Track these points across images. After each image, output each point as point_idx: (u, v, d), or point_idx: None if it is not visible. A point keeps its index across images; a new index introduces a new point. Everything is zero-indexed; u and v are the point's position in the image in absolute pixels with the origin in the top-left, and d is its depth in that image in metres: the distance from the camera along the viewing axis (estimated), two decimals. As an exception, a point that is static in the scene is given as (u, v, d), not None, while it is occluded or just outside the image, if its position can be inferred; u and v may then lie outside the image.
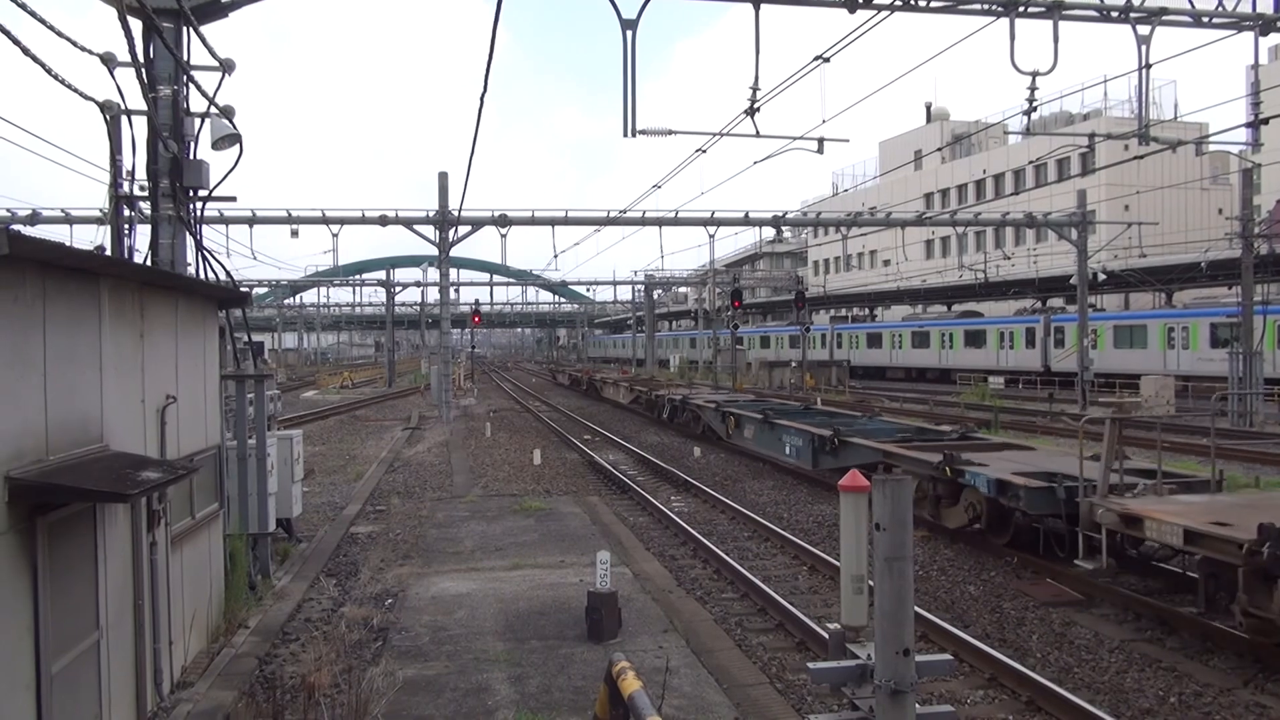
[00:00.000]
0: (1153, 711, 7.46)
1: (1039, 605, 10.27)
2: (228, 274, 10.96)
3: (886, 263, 65.34)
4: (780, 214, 37.08)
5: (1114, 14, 14.90)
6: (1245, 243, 29.48)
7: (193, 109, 10.18)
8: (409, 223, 33.34)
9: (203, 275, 10.11)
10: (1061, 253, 45.26)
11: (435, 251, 34.44)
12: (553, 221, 34.50)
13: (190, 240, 10.23)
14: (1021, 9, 14.38)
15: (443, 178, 33.08)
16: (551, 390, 61.64)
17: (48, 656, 5.14)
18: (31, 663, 5.03)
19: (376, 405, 44.85)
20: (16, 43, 6.61)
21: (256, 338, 14.48)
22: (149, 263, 9.88)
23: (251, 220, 32.64)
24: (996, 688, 7.96)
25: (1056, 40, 14.36)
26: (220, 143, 10.23)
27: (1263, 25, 15.10)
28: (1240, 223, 29.88)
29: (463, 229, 33.63)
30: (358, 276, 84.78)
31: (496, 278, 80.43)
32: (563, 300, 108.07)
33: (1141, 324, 41.28)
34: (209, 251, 10.35)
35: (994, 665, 8.23)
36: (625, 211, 32.68)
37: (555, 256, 46.98)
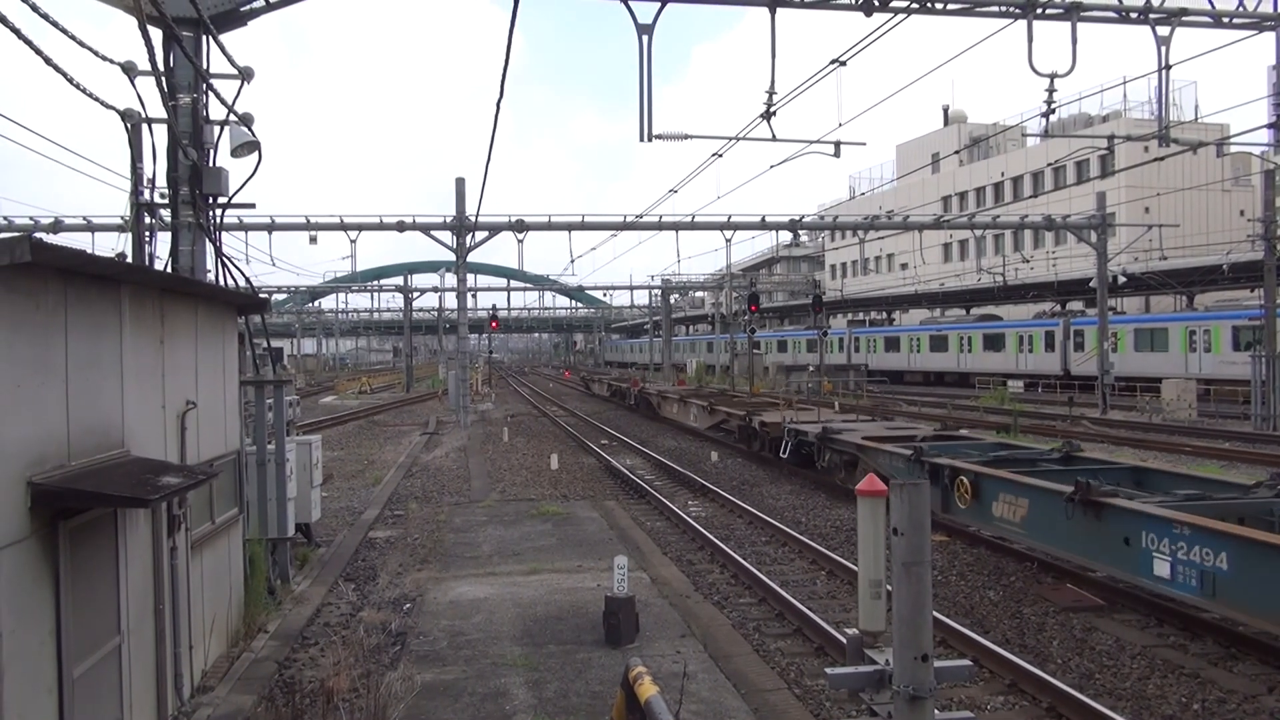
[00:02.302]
0: (1175, 718, 7.39)
1: (1060, 610, 10.19)
2: (247, 280, 11.03)
3: (904, 266, 65.15)
4: (797, 218, 37.00)
5: (1133, 15, 14.81)
6: (1268, 245, 29.19)
7: (212, 117, 10.28)
8: (426, 228, 33.49)
9: (222, 281, 10.19)
10: (1081, 255, 44.98)
11: (452, 257, 34.57)
12: (569, 226, 34.57)
13: (210, 247, 10.32)
14: (1039, 10, 14.31)
15: (460, 184, 33.21)
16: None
17: (69, 660, 5.18)
18: (54, 666, 5.07)
19: (394, 410, 45.03)
20: (39, 53, 6.69)
21: (275, 343, 14.58)
22: (169, 269, 9.98)
23: (270, 227, 32.88)
24: (1016, 694, 7.90)
25: (1075, 41, 14.29)
26: (239, 150, 10.32)
27: (1284, 25, 14.97)
28: (1262, 224, 29.61)
29: (480, 234, 33.75)
30: (375, 282, 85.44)
31: (513, 283, 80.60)
32: (579, 305, 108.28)
33: (1163, 327, 40.94)
34: (228, 258, 10.46)
35: (1014, 671, 8.16)
36: (642, 216, 32.71)
37: (572, 261, 47.29)
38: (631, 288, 78.77)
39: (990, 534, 12.79)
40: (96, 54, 7.88)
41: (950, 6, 14.12)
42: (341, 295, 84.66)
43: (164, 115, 9.63)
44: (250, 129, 10.34)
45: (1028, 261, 51.32)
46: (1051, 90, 14.14)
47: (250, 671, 8.14)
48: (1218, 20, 14.95)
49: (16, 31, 6.00)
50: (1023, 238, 59.85)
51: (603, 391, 53.73)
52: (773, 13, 13.43)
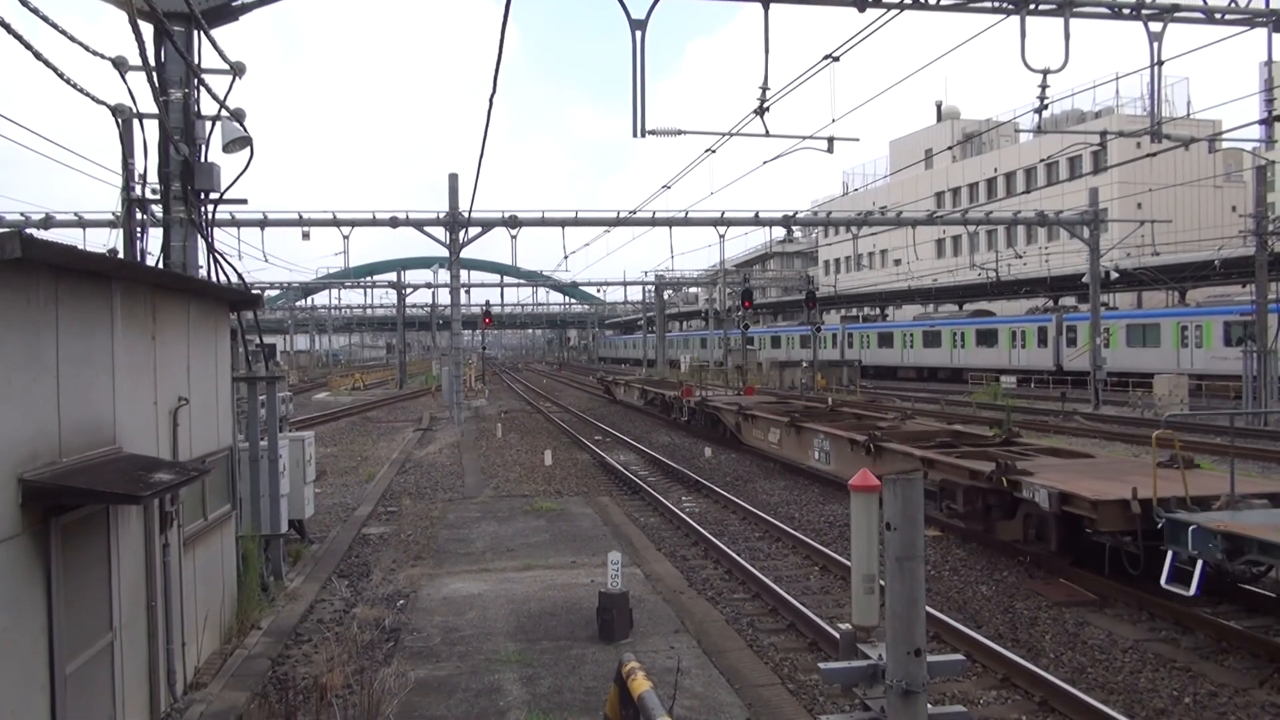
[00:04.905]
0: (1167, 712, 7.41)
1: (1052, 605, 10.22)
2: (239, 276, 10.99)
3: (897, 262, 65.09)
4: (791, 214, 37.06)
5: (1126, 11, 14.83)
6: (1259, 240, 29.29)
7: (204, 112, 10.24)
8: (419, 224, 33.42)
9: (214, 277, 10.15)
10: (1073, 251, 45.07)
11: (446, 253, 34.52)
12: (563, 222, 34.54)
13: (202, 243, 10.28)
14: (1032, 6, 14.32)
15: (453, 179, 33.13)
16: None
17: (62, 657, 5.16)
18: (46, 663, 5.06)
19: (388, 407, 44.96)
20: (29, 48, 6.65)
21: (268, 339, 14.54)
22: (161, 265, 9.94)
23: (263, 223, 32.78)
24: (1009, 688, 7.92)
25: (1068, 38, 14.30)
26: (231, 145, 10.28)
27: (1276, 21, 15.00)
28: (1254, 220, 29.70)
29: (473, 230, 33.69)
30: (369, 278, 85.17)
31: (507, 279, 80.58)
32: (573, 301, 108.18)
33: (1155, 323, 41.05)
34: (220, 254, 10.41)
35: (1007, 665, 8.19)
36: (635, 212, 32.69)
37: (565, 257, 47.34)
38: (625, 284, 78.73)
39: None
40: (88, 49, 7.85)
41: (944, 2, 14.13)
42: (334, 291, 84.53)
43: (155, 110, 9.59)
44: (242, 124, 10.30)
45: (1020, 257, 51.42)
46: (1044, 86, 14.18)
47: (243, 668, 8.12)
48: (1210, 16, 14.99)
49: (7, 27, 5.97)
50: (1015, 233, 59.95)
51: (632, 398, 39.84)
52: (766, 8, 13.42)
